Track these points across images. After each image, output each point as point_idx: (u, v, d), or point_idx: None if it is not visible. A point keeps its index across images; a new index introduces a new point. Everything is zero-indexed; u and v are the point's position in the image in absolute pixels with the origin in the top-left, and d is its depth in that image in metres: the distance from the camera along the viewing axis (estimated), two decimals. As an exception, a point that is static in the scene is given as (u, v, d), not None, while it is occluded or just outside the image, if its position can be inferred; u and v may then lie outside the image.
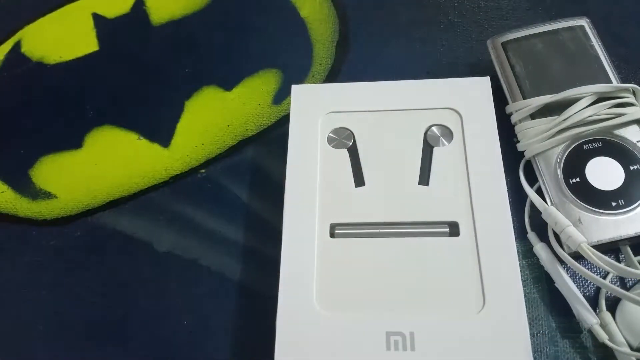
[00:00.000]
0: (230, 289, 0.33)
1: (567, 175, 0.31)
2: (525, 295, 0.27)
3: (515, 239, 0.29)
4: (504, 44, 0.36)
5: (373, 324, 0.27)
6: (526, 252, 0.32)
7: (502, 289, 0.27)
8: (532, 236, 0.31)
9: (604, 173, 0.31)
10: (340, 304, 0.28)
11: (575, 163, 0.32)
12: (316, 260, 0.29)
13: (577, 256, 0.29)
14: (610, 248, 0.30)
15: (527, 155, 0.33)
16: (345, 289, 0.28)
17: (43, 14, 0.47)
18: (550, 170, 0.32)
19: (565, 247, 0.30)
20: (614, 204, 0.30)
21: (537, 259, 0.32)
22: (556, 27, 0.36)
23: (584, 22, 0.36)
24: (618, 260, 0.31)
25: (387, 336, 0.27)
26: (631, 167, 0.31)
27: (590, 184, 0.31)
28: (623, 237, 0.29)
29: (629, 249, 0.30)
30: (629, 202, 0.30)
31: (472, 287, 0.28)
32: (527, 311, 0.27)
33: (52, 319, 0.33)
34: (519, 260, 0.31)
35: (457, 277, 0.28)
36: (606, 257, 0.28)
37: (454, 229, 0.30)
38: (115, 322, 0.33)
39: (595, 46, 0.35)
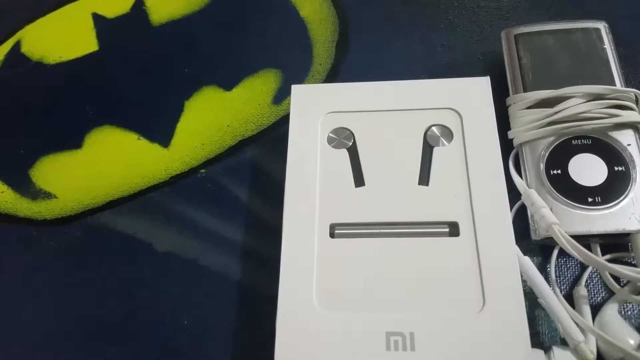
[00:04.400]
0: (230, 289, 0.33)
1: (549, 166, 0.31)
2: (525, 295, 0.27)
3: (515, 239, 0.29)
4: (516, 37, 0.36)
5: (373, 324, 0.27)
6: (526, 253, 0.32)
7: (502, 289, 0.27)
8: (516, 250, 0.30)
9: (587, 169, 0.31)
10: (340, 304, 0.28)
11: (560, 156, 0.32)
12: (316, 260, 0.29)
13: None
14: (580, 244, 0.30)
15: (515, 143, 0.33)
16: (345, 289, 0.28)
17: (43, 14, 0.47)
18: (534, 159, 0.32)
19: (537, 229, 0.30)
20: (590, 199, 0.30)
21: (537, 259, 0.32)
22: (572, 27, 0.36)
23: (601, 25, 0.36)
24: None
25: (387, 336, 0.27)
26: (616, 168, 0.31)
27: (570, 177, 0.31)
28: (593, 233, 0.29)
29: (598, 248, 0.30)
30: (606, 201, 0.30)
31: (472, 287, 0.28)
32: (527, 311, 0.27)
33: (52, 319, 0.33)
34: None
35: (457, 277, 0.28)
36: (575, 242, 0.28)
37: (454, 229, 0.30)
38: (115, 322, 0.33)
39: (608, 50, 0.34)
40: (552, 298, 0.28)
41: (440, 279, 0.28)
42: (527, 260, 0.29)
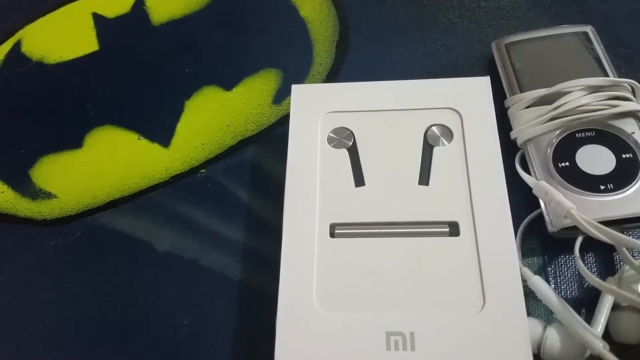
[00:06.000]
0: (230, 289, 0.33)
1: (556, 159, 0.31)
2: (525, 296, 0.27)
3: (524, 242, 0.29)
4: (507, 46, 0.36)
5: (373, 324, 0.27)
6: (526, 252, 0.32)
7: (502, 289, 0.27)
8: (525, 271, 0.30)
9: (595, 159, 0.31)
10: (340, 304, 0.28)
11: (566, 149, 0.32)
12: (316, 260, 0.29)
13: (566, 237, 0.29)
14: None
15: (519, 141, 0.33)
16: (345, 289, 0.28)
17: (43, 14, 0.47)
18: (540, 155, 0.32)
19: (552, 220, 0.30)
20: (602, 187, 0.30)
21: (537, 259, 0.32)
22: (560, 32, 0.36)
23: (588, 29, 0.36)
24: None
25: (387, 336, 0.27)
26: (623, 155, 0.31)
27: (579, 167, 0.31)
28: (609, 219, 0.29)
29: None
30: (618, 186, 0.30)
31: (472, 287, 0.28)
32: (527, 311, 0.27)
33: (52, 319, 0.33)
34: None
35: (457, 277, 0.28)
36: (597, 223, 0.27)
37: (454, 229, 0.30)
38: (115, 322, 0.33)
39: (597, 50, 0.35)
40: (568, 315, 0.28)
41: (440, 279, 0.28)
42: (537, 279, 0.29)
